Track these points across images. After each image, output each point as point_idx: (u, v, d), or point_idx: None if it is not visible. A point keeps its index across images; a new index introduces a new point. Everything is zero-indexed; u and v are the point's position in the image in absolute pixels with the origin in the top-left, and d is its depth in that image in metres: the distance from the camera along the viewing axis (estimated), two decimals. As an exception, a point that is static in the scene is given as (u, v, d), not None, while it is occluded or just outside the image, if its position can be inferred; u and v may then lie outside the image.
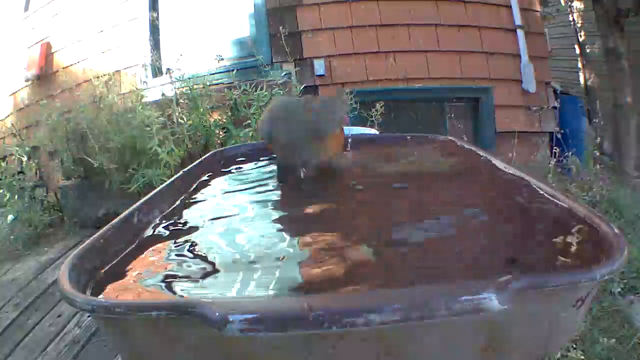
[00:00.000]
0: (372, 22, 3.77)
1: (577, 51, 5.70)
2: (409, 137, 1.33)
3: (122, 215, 0.75)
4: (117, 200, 3.10)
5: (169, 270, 0.65)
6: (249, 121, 3.25)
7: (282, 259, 0.66)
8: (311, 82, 3.66)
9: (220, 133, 3.36)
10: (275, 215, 0.87)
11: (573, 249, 0.62)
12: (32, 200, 3.58)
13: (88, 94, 3.49)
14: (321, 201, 0.96)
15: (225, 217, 0.86)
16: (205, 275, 0.62)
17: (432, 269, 0.63)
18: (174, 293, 0.59)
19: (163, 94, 3.41)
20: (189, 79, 3.38)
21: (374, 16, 3.77)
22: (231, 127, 3.34)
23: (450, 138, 1.29)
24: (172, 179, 1.00)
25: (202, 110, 3.33)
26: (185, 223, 0.82)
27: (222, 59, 3.59)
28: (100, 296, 0.57)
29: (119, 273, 0.64)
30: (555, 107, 3.95)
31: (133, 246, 0.72)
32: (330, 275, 0.61)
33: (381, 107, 3.24)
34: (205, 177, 1.10)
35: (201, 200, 0.94)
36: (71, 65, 4.20)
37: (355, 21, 3.77)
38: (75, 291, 0.52)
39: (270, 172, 1.13)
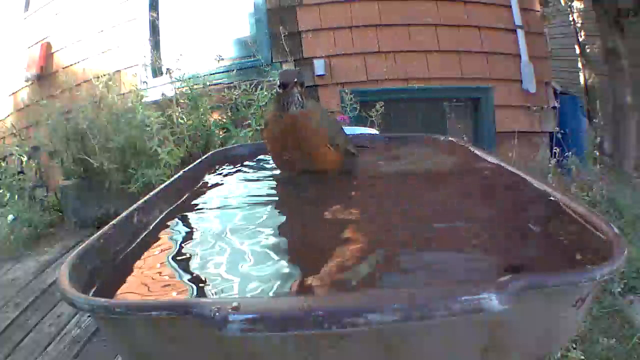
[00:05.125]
0: (372, 22, 3.78)
1: (577, 51, 5.70)
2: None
3: (122, 215, 0.75)
4: (117, 200, 3.10)
5: (169, 270, 0.65)
6: (249, 121, 3.25)
7: (283, 259, 0.66)
8: (311, 82, 3.66)
9: (220, 133, 3.37)
10: (276, 215, 0.87)
11: (573, 248, 0.62)
12: (32, 200, 3.59)
13: (88, 94, 3.50)
14: (321, 201, 0.96)
15: (226, 217, 0.86)
16: (206, 275, 0.63)
17: (432, 270, 0.63)
18: (174, 293, 0.59)
19: (163, 94, 3.41)
20: (189, 79, 3.39)
21: (374, 16, 3.77)
22: (231, 127, 3.35)
23: (450, 138, 1.29)
24: (172, 179, 1.00)
25: (202, 110, 3.33)
26: (185, 223, 0.82)
27: (222, 59, 3.60)
28: (100, 296, 0.57)
29: (118, 273, 0.64)
30: (555, 107, 3.95)
31: (133, 246, 0.72)
32: (331, 276, 0.61)
33: (381, 107, 3.24)
34: (205, 177, 1.10)
35: (201, 200, 0.94)
36: (71, 65, 4.21)
37: (355, 21, 3.77)
38: (75, 291, 0.52)
39: (270, 172, 1.13)
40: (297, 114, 0.96)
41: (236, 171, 1.17)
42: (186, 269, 0.64)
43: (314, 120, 0.98)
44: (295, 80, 0.95)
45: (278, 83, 0.97)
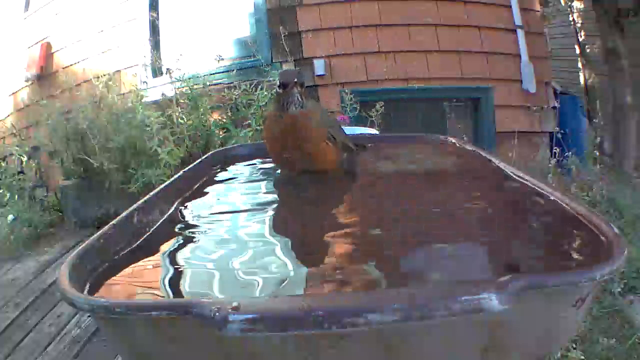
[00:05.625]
0: (372, 22, 3.78)
1: (577, 51, 5.70)
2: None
3: (122, 215, 0.75)
4: (117, 200, 3.10)
5: (169, 270, 0.65)
6: (249, 121, 3.25)
7: (283, 259, 0.66)
8: (311, 82, 3.66)
9: (220, 133, 3.37)
10: (276, 215, 0.87)
11: (573, 248, 0.62)
12: (32, 200, 3.58)
13: (88, 94, 3.49)
14: (321, 201, 0.96)
15: (226, 217, 0.86)
16: (206, 275, 0.63)
17: (432, 270, 0.63)
18: (174, 293, 0.59)
19: (163, 94, 3.41)
20: (189, 79, 3.39)
21: (374, 16, 3.77)
22: (231, 127, 3.35)
23: (450, 138, 1.29)
24: (172, 178, 1.00)
25: (202, 110, 3.33)
26: (185, 223, 0.82)
27: (222, 59, 3.60)
28: (100, 296, 0.57)
29: (119, 273, 0.64)
30: (555, 107, 3.95)
31: (133, 246, 0.72)
32: (331, 276, 0.61)
33: (381, 107, 3.24)
34: (205, 177, 1.10)
35: (201, 200, 0.94)
36: (71, 65, 4.20)
37: (355, 21, 3.77)
38: (75, 291, 0.52)
39: (270, 172, 1.13)
40: (297, 114, 0.96)
41: (236, 171, 1.17)
42: (186, 269, 0.64)
43: (313, 120, 0.98)
44: (296, 80, 0.95)
45: (278, 83, 0.97)
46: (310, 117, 0.98)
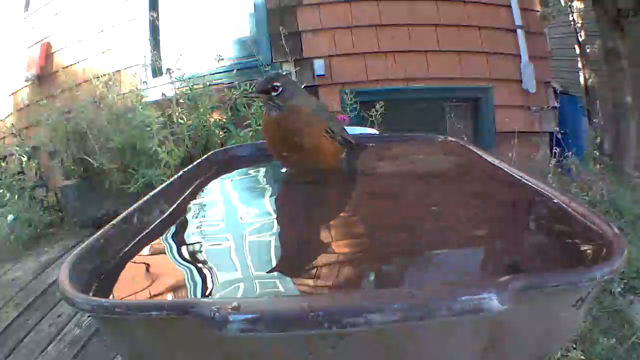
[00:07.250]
0: (372, 22, 3.78)
1: (577, 51, 5.70)
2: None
3: (122, 215, 0.75)
4: (117, 200, 3.10)
5: (169, 271, 0.65)
6: (249, 121, 3.25)
7: (283, 259, 0.66)
8: (311, 82, 3.66)
9: (220, 133, 3.36)
10: (276, 215, 0.87)
11: (573, 249, 0.62)
12: (32, 200, 3.58)
13: (88, 94, 3.49)
14: (321, 201, 0.96)
15: (225, 217, 0.86)
16: (206, 275, 0.63)
17: (433, 270, 0.63)
18: (174, 293, 0.59)
19: (163, 94, 3.41)
20: (189, 79, 3.39)
21: (374, 16, 3.77)
22: (231, 127, 3.35)
23: (450, 138, 1.29)
24: (172, 179, 1.00)
25: (202, 110, 3.33)
26: (185, 223, 0.82)
27: (222, 59, 3.60)
28: (100, 296, 0.57)
29: (118, 273, 0.64)
30: (555, 107, 3.96)
31: (133, 246, 0.72)
32: (331, 275, 0.61)
33: (381, 107, 3.25)
34: (205, 177, 1.10)
35: (201, 200, 0.95)
36: (71, 65, 4.21)
37: (355, 21, 3.77)
38: (75, 291, 0.52)
39: (270, 172, 1.13)
40: (278, 117, 0.97)
41: (236, 171, 1.17)
42: (186, 269, 0.64)
43: (302, 120, 0.98)
44: (269, 86, 0.96)
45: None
46: (299, 114, 0.97)
